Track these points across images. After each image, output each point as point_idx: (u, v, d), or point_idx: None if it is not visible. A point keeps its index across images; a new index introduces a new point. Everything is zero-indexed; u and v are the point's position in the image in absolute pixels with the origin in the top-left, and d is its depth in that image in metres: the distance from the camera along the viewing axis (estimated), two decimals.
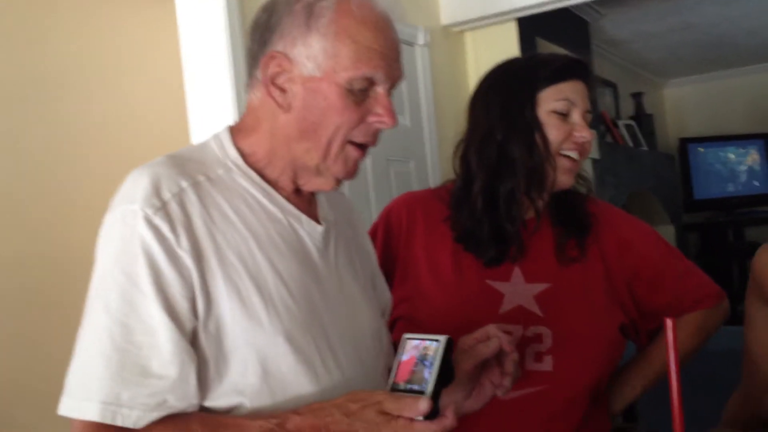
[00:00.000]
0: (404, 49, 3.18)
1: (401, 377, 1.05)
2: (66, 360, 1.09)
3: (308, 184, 1.20)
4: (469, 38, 3.71)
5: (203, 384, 1.07)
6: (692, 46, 5.72)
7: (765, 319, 1.42)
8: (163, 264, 1.04)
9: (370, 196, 2.95)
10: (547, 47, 4.19)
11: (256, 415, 1.07)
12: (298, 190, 1.21)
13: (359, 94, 1.13)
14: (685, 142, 6.44)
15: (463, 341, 1.26)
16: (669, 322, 0.94)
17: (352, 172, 1.19)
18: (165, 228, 1.05)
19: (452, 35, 3.64)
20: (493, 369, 1.26)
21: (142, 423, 1.03)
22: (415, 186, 3.15)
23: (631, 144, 5.50)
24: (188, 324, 1.06)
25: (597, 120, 4.82)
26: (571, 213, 1.62)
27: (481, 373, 1.27)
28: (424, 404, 1.00)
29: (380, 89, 1.15)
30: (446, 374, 1.04)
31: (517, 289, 1.55)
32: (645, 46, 5.60)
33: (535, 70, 1.55)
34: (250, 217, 1.14)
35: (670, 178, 6.18)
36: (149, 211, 1.06)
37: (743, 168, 6.50)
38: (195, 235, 1.08)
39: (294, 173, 1.19)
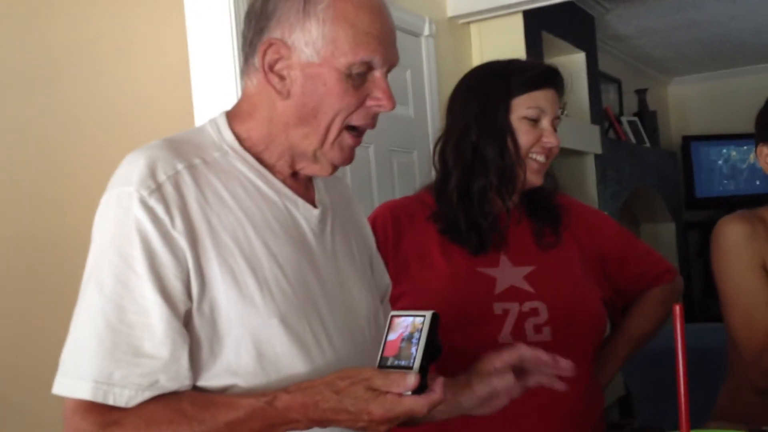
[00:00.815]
0: (409, 40, 3.20)
1: (389, 354, 1.06)
2: (61, 341, 1.10)
3: (306, 169, 1.21)
4: (475, 30, 3.70)
5: (197, 364, 1.09)
6: (697, 43, 5.71)
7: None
8: (157, 245, 1.05)
9: (373, 186, 2.95)
10: (553, 41, 4.20)
11: (247, 393, 1.08)
12: (294, 174, 1.22)
13: (357, 79, 1.14)
14: (688, 140, 6.44)
15: (488, 363, 1.23)
16: (677, 309, 0.97)
17: (348, 158, 1.20)
18: (160, 209, 1.06)
19: (458, 27, 3.64)
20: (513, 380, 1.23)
21: (133, 402, 1.04)
22: (418, 176, 3.15)
23: (633, 140, 5.49)
24: (182, 305, 1.07)
25: (600, 115, 4.82)
26: (542, 206, 1.76)
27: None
28: (411, 379, 1.00)
29: (378, 73, 1.16)
30: (433, 349, 1.05)
31: (507, 272, 1.68)
32: (650, 43, 5.59)
33: (511, 77, 1.67)
34: (246, 200, 1.15)
35: (672, 175, 6.18)
36: (144, 193, 1.06)
37: (745, 167, 6.51)
38: (190, 217, 1.09)
39: (292, 158, 1.20)
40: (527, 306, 1.64)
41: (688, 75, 6.74)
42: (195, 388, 1.09)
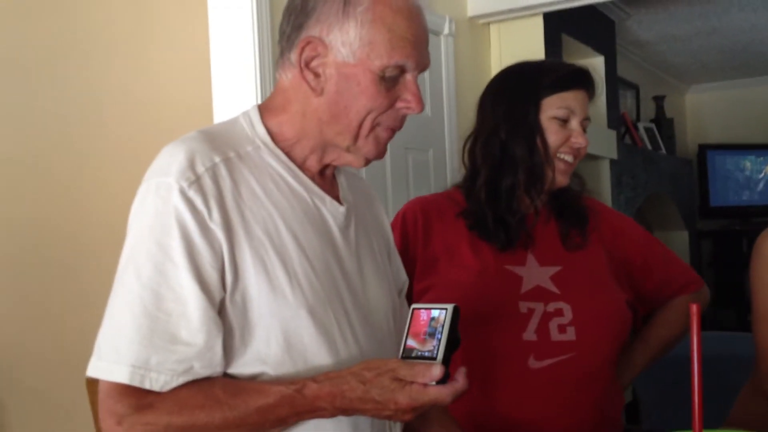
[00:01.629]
0: (429, 39, 3.19)
1: (412, 345, 1.10)
2: (74, 326, 1.12)
3: (338, 159, 1.24)
4: (495, 31, 3.70)
5: (228, 352, 1.11)
6: (717, 51, 5.68)
7: None
8: (195, 236, 1.08)
9: (387, 184, 2.95)
10: (573, 44, 4.19)
11: (276, 381, 1.11)
12: (321, 172, 1.26)
13: (390, 81, 1.18)
14: (704, 149, 6.42)
15: None
16: (694, 308, 0.97)
17: (382, 152, 1.24)
18: (198, 201, 1.09)
19: (478, 27, 3.64)
20: None
21: (168, 387, 1.07)
22: (433, 175, 3.16)
23: (649, 147, 5.48)
24: (217, 295, 1.10)
25: (617, 121, 4.81)
26: (569, 207, 1.78)
27: None
28: (437, 370, 1.05)
29: (409, 76, 1.20)
30: (454, 341, 1.09)
31: (533, 272, 1.69)
32: (670, 49, 5.57)
33: (542, 78, 1.69)
34: (277, 195, 1.18)
35: (687, 183, 6.16)
36: (184, 184, 1.09)
37: (761, 177, 6.48)
38: (226, 209, 1.12)
39: (322, 153, 1.23)
40: (552, 306, 1.65)
41: (706, 83, 6.72)
42: (225, 375, 1.12)
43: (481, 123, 1.76)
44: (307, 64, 1.18)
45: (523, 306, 1.65)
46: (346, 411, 1.09)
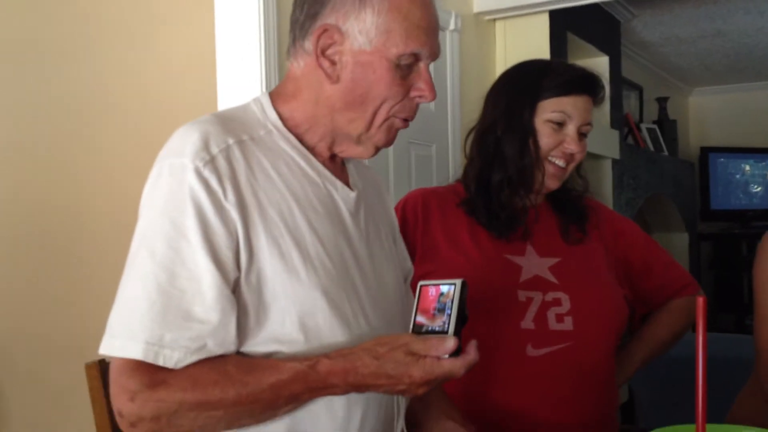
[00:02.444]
0: None
1: (421, 321, 1.11)
2: (73, 309, 1.12)
3: (346, 151, 1.26)
4: (500, 27, 3.70)
5: (242, 332, 1.12)
6: (721, 54, 5.67)
7: None
8: (210, 215, 1.09)
9: (390, 178, 2.95)
10: (577, 43, 4.18)
11: (289, 358, 1.11)
12: (332, 157, 1.27)
13: (405, 69, 1.19)
14: (706, 151, 6.42)
15: None
16: (700, 301, 0.97)
17: (392, 140, 1.25)
18: (213, 181, 1.10)
19: (483, 23, 3.64)
20: None
21: (181, 364, 1.07)
22: (435, 169, 3.16)
23: (652, 148, 5.48)
24: (231, 274, 1.10)
25: (620, 121, 4.81)
26: (569, 205, 1.80)
27: None
28: (450, 343, 1.07)
29: (423, 65, 1.21)
30: (463, 315, 1.10)
31: (532, 262, 1.71)
32: (674, 51, 5.57)
33: (543, 80, 1.69)
34: (290, 178, 1.19)
35: (689, 185, 6.16)
36: (199, 164, 1.10)
37: (762, 181, 6.48)
38: (240, 190, 1.12)
39: (332, 141, 1.24)
40: (550, 296, 1.67)
41: (710, 86, 6.72)
42: (239, 354, 1.13)
43: (483, 117, 1.78)
44: (323, 52, 1.18)
45: (522, 295, 1.66)
46: (359, 387, 1.10)
